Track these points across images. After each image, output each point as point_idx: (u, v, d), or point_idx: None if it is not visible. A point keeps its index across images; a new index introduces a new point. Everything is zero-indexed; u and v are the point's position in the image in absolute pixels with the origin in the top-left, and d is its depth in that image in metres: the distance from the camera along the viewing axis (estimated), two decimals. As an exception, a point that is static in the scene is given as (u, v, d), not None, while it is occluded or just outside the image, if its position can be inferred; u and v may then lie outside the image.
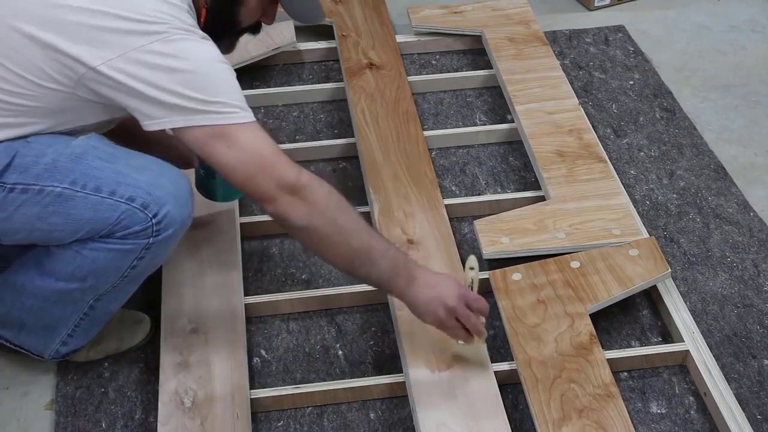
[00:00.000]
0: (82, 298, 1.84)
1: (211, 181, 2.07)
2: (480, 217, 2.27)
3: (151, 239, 1.73)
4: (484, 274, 2.13)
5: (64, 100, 1.65)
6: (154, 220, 1.70)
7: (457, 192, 2.45)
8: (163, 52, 1.57)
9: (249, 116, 1.62)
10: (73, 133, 1.73)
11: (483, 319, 1.81)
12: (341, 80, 2.74)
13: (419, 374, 1.89)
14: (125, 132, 1.90)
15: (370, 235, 1.72)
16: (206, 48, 1.63)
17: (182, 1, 1.67)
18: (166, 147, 2.08)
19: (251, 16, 1.83)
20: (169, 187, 1.72)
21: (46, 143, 1.68)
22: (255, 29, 1.88)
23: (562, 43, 3.02)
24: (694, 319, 2.07)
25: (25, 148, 1.66)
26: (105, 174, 1.68)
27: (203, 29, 1.68)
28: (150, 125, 1.62)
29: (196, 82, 1.58)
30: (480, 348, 1.90)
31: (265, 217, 2.32)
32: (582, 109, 2.58)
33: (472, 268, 1.83)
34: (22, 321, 1.90)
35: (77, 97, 1.64)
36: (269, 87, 2.81)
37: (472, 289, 1.81)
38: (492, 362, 1.93)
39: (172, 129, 1.62)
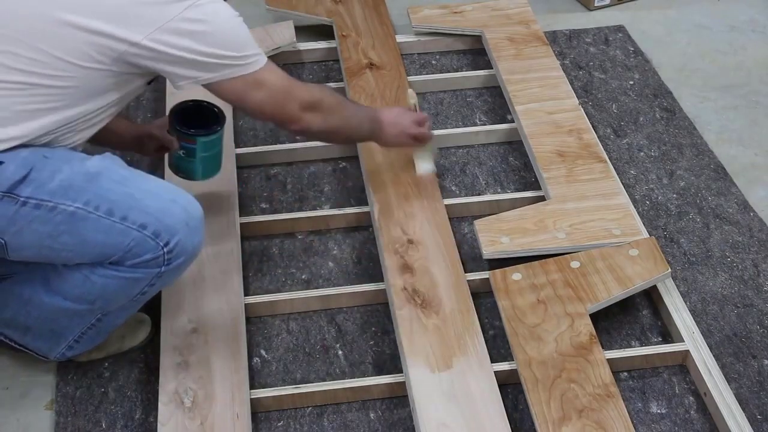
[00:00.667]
0: (89, 315, 1.85)
1: (191, 160, 2.08)
2: (480, 217, 2.27)
3: (163, 268, 1.74)
4: (485, 274, 2.13)
5: (100, 78, 1.69)
6: (165, 249, 1.71)
7: (457, 192, 2.45)
8: (194, 18, 1.68)
9: (264, 57, 1.82)
10: (98, 116, 1.76)
11: (428, 124, 2.26)
12: (341, 80, 2.74)
13: (419, 374, 1.89)
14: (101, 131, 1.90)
15: (357, 111, 2.13)
16: (225, 8, 1.76)
17: None
18: (139, 136, 2.11)
19: None
20: (180, 214, 1.72)
21: (63, 160, 1.69)
22: None
23: (562, 43, 3.02)
24: (694, 319, 2.07)
25: (41, 163, 1.66)
26: (117, 197, 1.69)
27: None
28: (185, 85, 1.76)
29: (226, 42, 1.74)
30: (430, 148, 2.34)
31: (266, 217, 2.33)
32: (582, 109, 2.58)
33: (412, 97, 2.36)
34: (28, 326, 1.90)
35: (112, 73, 1.69)
36: (269, 87, 2.80)
37: (415, 110, 2.31)
38: (492, 362, 1.93)
39: (206, 84, 1.78)
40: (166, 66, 1.71)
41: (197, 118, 2.05)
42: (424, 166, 2.35)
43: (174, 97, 2.33)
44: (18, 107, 1.64)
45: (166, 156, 2.18)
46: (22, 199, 1.64)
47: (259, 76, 1.80)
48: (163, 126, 2.09)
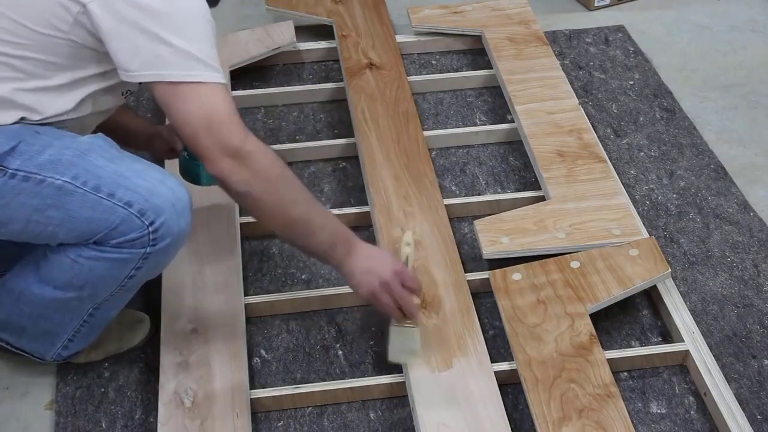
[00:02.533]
0: (81, 307, 1.84)
1: (194, 164, 2.06)
2: (480, 217, 2.27)
3: (148, 248, 1.71)
4: (485, 274, 2.13)
5: (63, 47, 1.64)
6: (150, 228, 1.69)
7: (457, 192, 2.45)
8: None
9: (217, 77, 1.61)
10: (80, 103, 1.72)
11: (417, 300, 1.83)
12: (341, 80, 2.74)
13: (419, 374, 1.89)
14: (111, 124, 1.91)
15: (311, 207, 1.74)
16: (195, 1, 1.63)
17: None
18: (151, 135, 2.10)
19: None
20: (167, 195, 1.70)
21: (53, 136, 1.68)
22: None
23: (562, 43, 3.02)
24: (694, 319, 2.07)
25: (32, 137, 1.65)
26: (106, 174, 1.67)
27: None
28: (124, 76, 1.62)
29: (177, 30, 1.58)
30: (413, 333, 1.84)
31: (265, 217, 2.33)
32: (582, 109, 2.58)
33: (408, 245, 1.84)
34: (22, 326, 1.89)
35: (73, 44, 1.64)
36: (269, 87, 2.81)
37: (407, 266, 1.82)
38: (492, 362, 1.93)
39: (145, 83, 1.63)
40: (112, 42, 1.59)
41: None
42: (398, 348, 1.85)
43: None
44: None
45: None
46: (10, 171, 1.63)
47: (192, 88, 1.59)
48: (172, 127, 2.08)
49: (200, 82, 1.59)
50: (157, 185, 1.70)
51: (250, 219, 2.31)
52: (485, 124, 2.67)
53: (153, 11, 1.56)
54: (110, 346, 2.01)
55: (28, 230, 1.70)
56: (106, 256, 1.71)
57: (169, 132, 2.11)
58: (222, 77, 1.63)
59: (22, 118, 1.68)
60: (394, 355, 1.88)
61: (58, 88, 1.70)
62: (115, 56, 1.61)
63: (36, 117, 1.69)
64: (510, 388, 1.94)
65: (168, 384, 1.89)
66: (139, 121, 2.14)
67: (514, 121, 2.60)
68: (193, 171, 2.08)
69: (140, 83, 1.71)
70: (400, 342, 1.85)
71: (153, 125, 2.19)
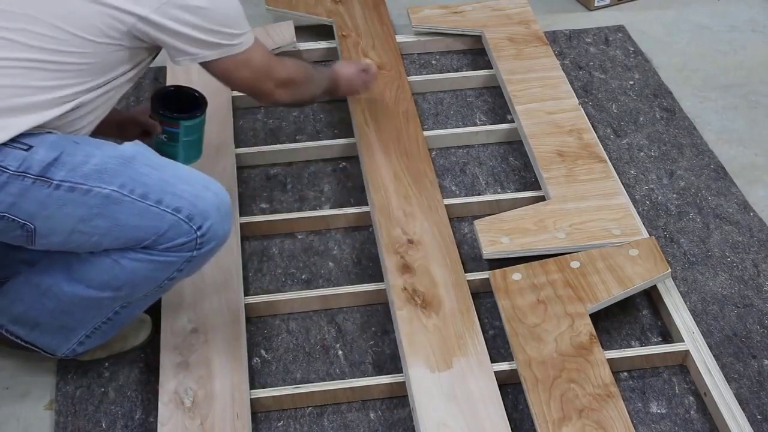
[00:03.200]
0: (111, 306, 1.84)
1: (173, 145, 2.08)
2: (480, 217, 2.27)
3: (194, 252, 1.74)
4: (485, 274, 2.13)
5: (112, 53, 1.72)
6: (198, 233, 1.72)
7: (457, 192, 2.45)
8: None
9: (252, 36, 1.90)
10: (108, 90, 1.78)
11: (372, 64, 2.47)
12: (341, 80, 2.74)
13: (419, 374, 1.89)
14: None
15: (319, 75, 2.25)
16: None
17: None
18: (123, 121, 2.11)
19: None
20: (213, 199, 1.74)
21: (94, 145, 1.70)
22: None
23: (562, 43, 3.02)
24: (694, 319, 2.07)
25: (72, 147, 1.67)
26: (152, 181, 1.70)
27: None
28: (183, 61, 1.82)
29: (224, 19, 1.81)
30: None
31: (265, 217, 2.33)
32: (582, 109, 2.58)
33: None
34: (39, 321, 1.88)
35: (122, 47, 1.73)
36: (269, 87, 2.80)
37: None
38: (492, 362, 1.93)
39: (202, 62, 1.85)
40: (169, 39, 1.76)
41: (179, 103, 2.07)
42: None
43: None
44: (34, 83, 1.65)
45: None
46: (55, 182, 1.64)
47: (247, 56, 1.89)
48: (145, 112, 2.11)
49: (248, 48, 1.88)
50: (203, 190, 1.74)
51: (250, 219, 2.31)
52: (485, 124, 2.67)
53: (199, 9, 1.75)
54: (115, 345, 2.01)
55: (71, 240, 1.70)
56: (151, 258, 1.73)
57: (143, 115, 2.11)
58: (251, 32, 1.90)
59: (59, 117, 1.69)
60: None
61: (93, 89, 1.74)
62: (175, 49, 1.79)
63: (73, 117, 1.72)
64: (510, 388, 1.94)
65: (168, 384, 1.89)
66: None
67: (514, 121, 2.60)
68: (171, 152, 2.07)
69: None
70: None
71: (123, 112, 2.20)
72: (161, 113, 2.05)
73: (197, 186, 1.74)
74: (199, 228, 1.72)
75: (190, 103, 2.09)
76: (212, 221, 1.73)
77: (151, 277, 1.77)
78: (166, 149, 2.08)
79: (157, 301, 2.05)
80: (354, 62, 2.53)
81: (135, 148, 1.74)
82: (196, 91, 2.10)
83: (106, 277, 1.76)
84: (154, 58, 1.87)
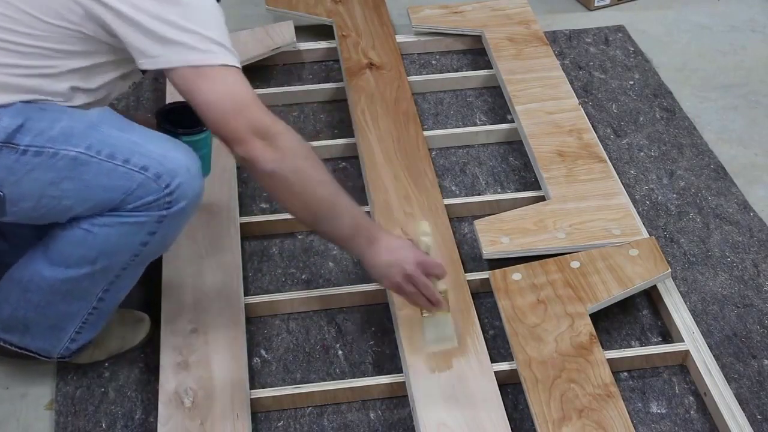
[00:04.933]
0: (92, 289, 1.82)
1: None
2: (480, 217, 2.27)
3: (165, 211, 1.71)
4: (485, 274, 2.13)
5: (74, 39, 1.64)
6: (166, 190, 1.69)
7: (457, 192, 2.45)
8: None
9: (236, 61, 1.63)
10: (92, 92, 1.73)
11: (444, 286, 1.84)
12: (341, 80, 2.74)
13: (419, 374, 1.89)
14: None
15: (337, 189, 1.74)
16: None
17: None
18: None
19: None
20: (181, 159, 1.71)
21: (60, 110, 1.68)
22: None
23: (562, 43, 3.02)
24: (694, 319, 2.07)
25: (38, 113, 1.65)
26: (120, 142, 1.68)
27: None
28: (145, 64, 1.62)
29: (193, 16, 1.59)
30: (444, 319, 1.87)
31: (265, 217, 2.33)
32: (582, 109, 2.58)
33: (426, 234, 1.84)
34: (28, 322, 1.88)
35: (85, 36, 1.64)
36: (269, 87, 2.81)
37: (428, 254, 1.84)
38: (492, 362, 1.93)
39: (164, 69, 1.63)
40: (128, 33, 1.59)
41: (183, 119, 2.00)
42: (433, 337, 1.87)
43: (174, 96, 2.33)
44: None
45: None
46: (22, 147, 1.63)
47: (216, 71, 1.60)
48: (146, 121, 2.08)
49: (224, 65, 1.60)
50: (171, 150, 1.71)
51: (250, 219, 2.31)
52: (485, 124, 2.67)
53: (169, 0, 1.58)
54: (112, 345, 2.01)
55: (41, 206, 1.68)
56: (121, 221, 1.71)
57: (146, 122, 2.10)
58: (239, 63, 1.63)
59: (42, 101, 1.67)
60: (429, 344, 1.89)
61: (74, 72, 1.69)
62: (133, 45, 1.61)
63: (59, 100, 1.69)
64: (510, 388, 1.94)
65: (168, 384, 1.89)
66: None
67: (514, 121, 2.60)
68: None
69: (149, 71, 1.72)
70: (432, 331, 1.87)
71: (126, 113, 2.18)
72: (163, 127, 2.01)
73: (165, 146, 1.71)
74: (167, 186, 1.68)
75: (195, 118, 2.06)
76: (181, 179, 1.69)
77: (124, 243, 1.74)
78: None
79: (157, 301, 2.06)
80: (412, 244, 1.84)
81: (103, 112, 1.72)
82: None
83: (81, 251, 1.74)
84: (132, 73, 1.79)
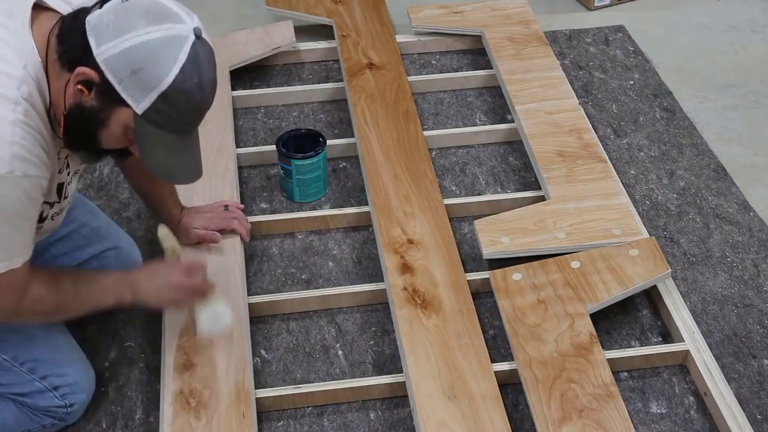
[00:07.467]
0: None
1: (288, 181, 2.37)
2: (480, 217, 2.27)
3: (57, 420, 1.87)
4: (485, 274, 2.13)
5: None
6: (69, 409, 1.85)
7: (457, 192, 2.45)
8: None
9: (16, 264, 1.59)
10: None
11: (205, 275, 1.88)
12: (341, 80, 2.74)
13: (419, 374, 1.89)
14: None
15: (86, 293, 1.76)
16: (9, 192, 1.50)
17: (39, 104, 1.53)
18: (172, 220, 2.10)
19: (115, 142, 1.60)
20: (85, 385, 1.88)
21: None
22: (123, 154, 1.65)
23: (562, 43, 3.02)
24: (694, 319, 2.07)
25: None
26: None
27: (64, 135, 1.57)
28: None
29: None
30: (217, 304, 1.88)
31: (265, 217, 2.33)
32: (582, 109, 2.58)
33: (166, 238, 1.90)
34: None
35: None
36: (269, 87, 2.81)
37: (178, 258, 1.89)
38: (492, 362, 1.93)
39: None
40: None
41: (304, 144, 2.37)
42: (205, 324, 1.88)
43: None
44: None
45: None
46: None
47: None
48: (202, 215, 2.15)
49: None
50: (82, 373, 1.87)
51: (250, 219, 2.30)
52: (485, 124, 2.68)
53: None
54: None
55: None
56: (22, 409, 1.83)
57: (185, 231, 2.13)
58: (11, 259, 1.58)
59: None
60: (205, 331, 1.90)
61: None
62: None
63: None
64: (510, 388, 1.94)
65: (173, 384, 1.89)
66: (172, 205, 2.12)
67: (514, 121, 2.60)
68: (286, 187, 2.40)
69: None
70: (209, 319, 1.88)
71: (177, 213, 2.13)
72: (278, 149, 2.34)
73: (77, 369, 1.86)
74: (72, 405, 1.84)
75: (313, 144, 2.37)
76: (83, 396, 1.87)
77: (20, 423, 1.85)
78: (284, 184, 2.41)
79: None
80: (163, 263, 1.90)
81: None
82: (321, 135, 2.37)
83: None
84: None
